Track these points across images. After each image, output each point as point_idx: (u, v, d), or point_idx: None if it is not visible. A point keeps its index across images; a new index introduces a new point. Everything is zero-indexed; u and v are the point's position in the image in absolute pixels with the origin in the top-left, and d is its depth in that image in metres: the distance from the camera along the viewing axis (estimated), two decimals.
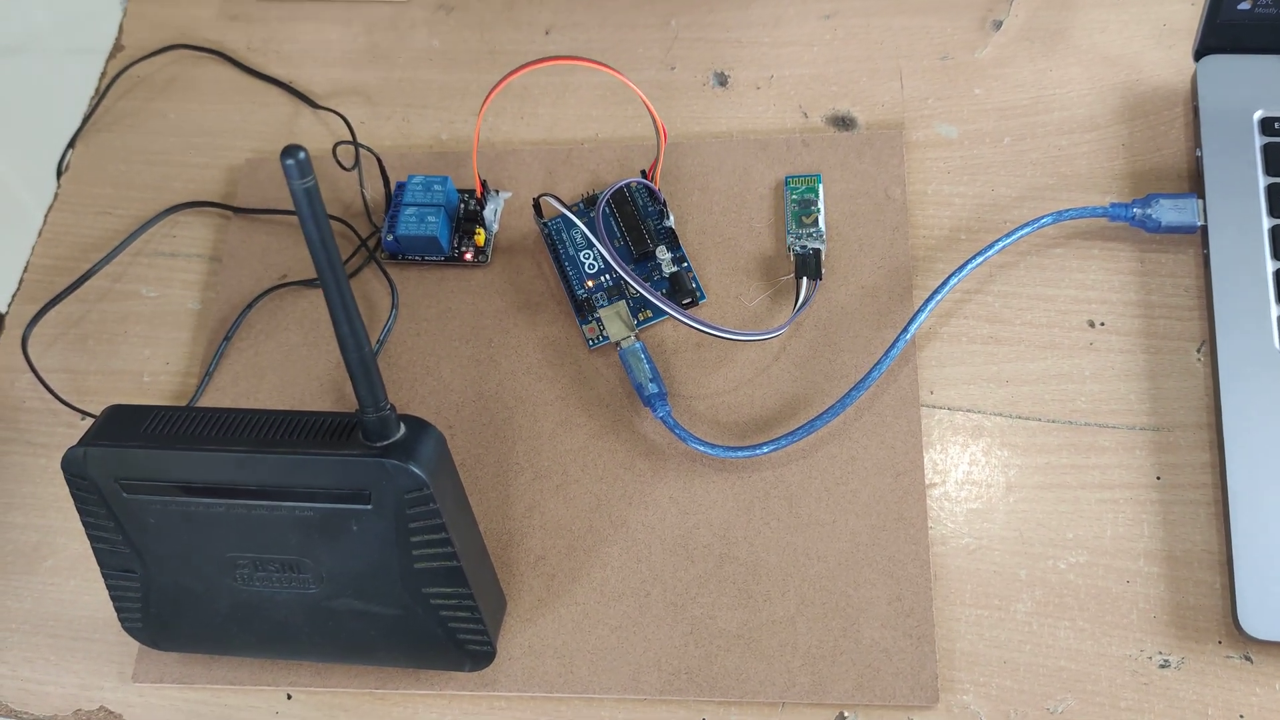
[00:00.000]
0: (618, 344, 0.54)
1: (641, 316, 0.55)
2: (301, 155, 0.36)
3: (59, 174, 0.65)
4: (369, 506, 0.43)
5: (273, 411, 0.44)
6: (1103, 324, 0.53)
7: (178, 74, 0.67)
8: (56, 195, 0.64)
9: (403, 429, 0.43)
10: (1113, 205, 0.54)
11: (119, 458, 0.44)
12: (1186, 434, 0.50)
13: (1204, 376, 0.51)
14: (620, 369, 0.55)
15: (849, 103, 0.60)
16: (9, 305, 0.61)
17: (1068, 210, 0.54)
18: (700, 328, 0.52)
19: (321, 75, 0.65)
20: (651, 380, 0.53)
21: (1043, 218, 0.54)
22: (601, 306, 0.55)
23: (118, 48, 0.68)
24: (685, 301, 0.55)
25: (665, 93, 0.62)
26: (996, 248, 0.54)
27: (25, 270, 0.62)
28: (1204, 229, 0.53)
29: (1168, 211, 0.53)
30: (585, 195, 0.59)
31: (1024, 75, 0.60)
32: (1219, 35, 0.55)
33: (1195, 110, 0.56)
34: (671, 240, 0.57)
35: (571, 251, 0.57)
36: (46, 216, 0.63)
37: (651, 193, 0.57)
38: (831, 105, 0.60)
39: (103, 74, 0.68)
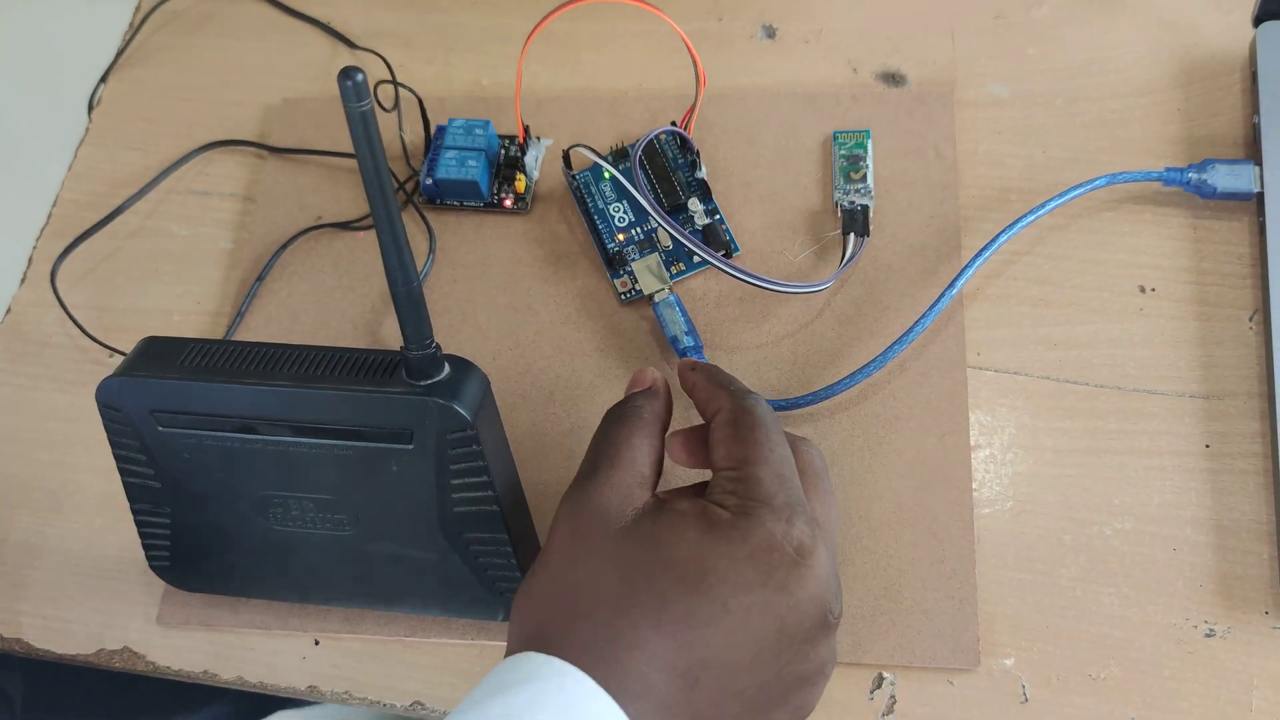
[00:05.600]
0: (651, 297, 0.53)
1: (674, 270, 0.54)
2: (359, 77, 0.35)
3: (90, 109, 0.64)
4: (410, 446, 0.42)
5: (314, 347, 0.43)
6: (1154, 289, 0.52)
7: (213, 10, 0.65)
8: (87, 130, 0.63)
9: (447, 368, 0.42)
10: (1168, 170, 0.53)
11: (155, 389, 0.43)
12: (1237, 402, 0.50)
13: (1256, 345, 0.51)
14: (656, 322, 0.54)
15: (900, 59, 0.59)
16: (37, 240, 0.60)
17: (1121, 173, 0.53)
18: (744, 278, 0.51)
19: (360, 15, 0.64)
20: (687, 333, 0.52)
21: (1095, 180, 0.53)
22: (633, 260, 0.54)
23: None
24: (720, 254, 0.54)
25: (712, 44, 0.61)
26: (1047, 208, 0.53)
27: (54, 205, 0.61)
28: (1260, 196, 0.52)
29: (1223, 177, 0.52)
30: (614, 148, 0.57)
31: (1078, 37, 0.58)
32: (1279, 1, 0.54)
33: (1254, 76, 0.55)
34: (704, 192, 0.56)
35: (601, 204, 0.56)
36: (77, 151, 0.62)
37: (684, 143, 0.56)
38: (882, 61, 0.59)
39: (137, 8, 0.66)
